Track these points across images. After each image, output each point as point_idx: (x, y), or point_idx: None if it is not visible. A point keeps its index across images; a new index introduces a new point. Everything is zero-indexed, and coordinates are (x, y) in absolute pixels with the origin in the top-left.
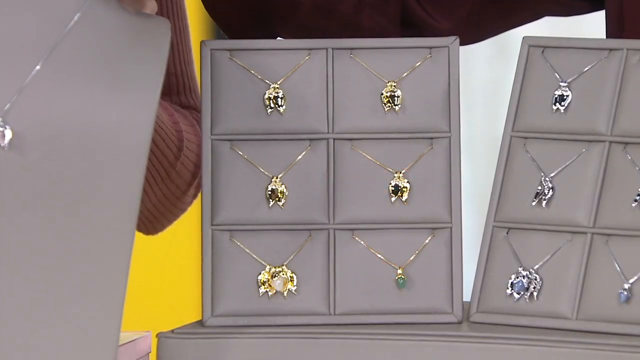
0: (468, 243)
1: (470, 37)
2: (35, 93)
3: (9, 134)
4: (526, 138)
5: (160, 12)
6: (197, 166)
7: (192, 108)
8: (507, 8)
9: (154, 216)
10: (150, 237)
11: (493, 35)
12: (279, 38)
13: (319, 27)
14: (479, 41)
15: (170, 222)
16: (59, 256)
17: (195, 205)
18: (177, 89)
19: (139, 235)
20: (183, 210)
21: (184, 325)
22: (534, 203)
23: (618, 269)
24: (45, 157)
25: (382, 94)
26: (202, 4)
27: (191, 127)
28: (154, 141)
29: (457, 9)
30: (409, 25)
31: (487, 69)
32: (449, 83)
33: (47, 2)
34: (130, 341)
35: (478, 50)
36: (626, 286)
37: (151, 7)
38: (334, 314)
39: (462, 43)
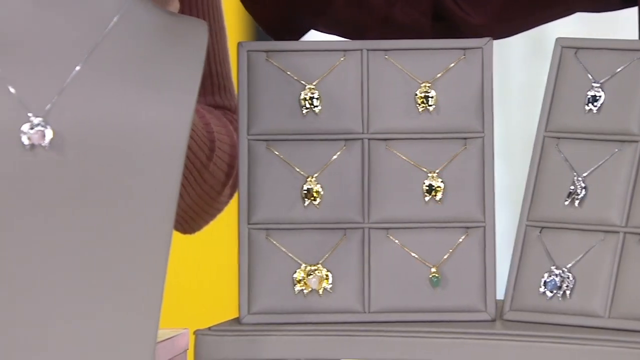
0: (504, 242)
1: (502, 31)
2: (75, 93)
3: (49, 133)
4: (559, 138)
5: (197, 14)
6: (231, 167)
7: (227, 108)
8: (538, 2)
9: (190, 216)
10: (187, 235)
11: (524, 30)
12: (311, 32)
13: (352, 21)
14: (510, 36)
15: (206, 221)
16: (97, 254)
17: (232, 204)
18: (211, 89)
19: (176, 234)
20: (219, 210)
21: (221, 323)
22: (566, 202)
23: None
24: (84, 156)
25: (417, 94)
26: (240, 3)
27: (224, 127)
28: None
29: (490, 3)
30: (441, 19)
31: (523, 70)
32: (483, 84)
33: (87, 5)
34: (169, 338)
35: (514, 51)
36: None
37: (174, 6)
38: (369, 312)
39: (494, 38)
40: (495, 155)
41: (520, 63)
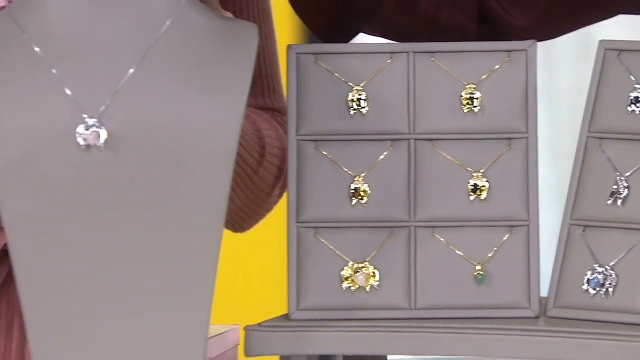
0: (552, 241)
1: (545, 34)
2: (129, 95)
3: (104, 134)
4: (602, 139)
5: (247, 17)
6: (280, 169)
7: (276, 110)
8: (582, 5)
9: (240, 217)
10: (238, 234)
11: (567, 32)
12: (360, 35)
13: (400, 25)
14: (554, 37)
15: (256, 221)
16: (150, 251)
17: (282, 203)
18: (261, 91)
19: (227, 232)
20: (269, 210)
21: (271, 319)
22: (609, 202)
23: None
24: (137, 156)
25: (462, 95)
26: (290, 7)
27: (274, 131)
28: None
29: (534, 6)
30: (486, 22)
31: (572, 71)
32: (527, 85)
33: (140, 9)
34: (220, 333)
35: (562, 52)
36: None
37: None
38: (415, 309)
39: (538, 40)
40: (543, 156)
41: (569, 64)
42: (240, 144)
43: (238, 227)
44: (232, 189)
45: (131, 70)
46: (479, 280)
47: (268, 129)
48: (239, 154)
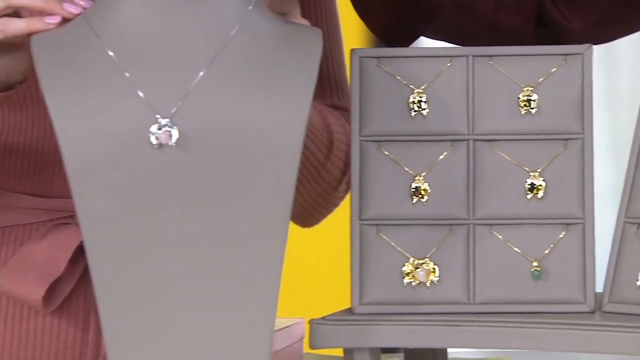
0: (609, 239)
1: (601, 37)
2: (199, 97)
3: (175, 133)
4: None
5: (316, 21)
6: (347, 164)
7: (344, 109)
8: (636, 10)
9: (308, 211)
10: (303, 231)
11: (623, 36)
12: (420, 39)
13: (459, 28)
14: (609, 41)
15: (324, 216)
16: (219, 247)
17: (345, 201)
18: (330, 92)
19: (294, 230)
20: (335, 205)
21: (334, 313)
22: None
23: None
24: (207, 155)
25: (519, 98)
26: (356, 13)
27: (342, 127)
28: (305, 143)
29: (590, 11)
30: (542, 25)
31: (632, 74)
32: (583, 87)
33: (210, 15)
34: (286, 327)
35: (623, 56)
36: None
37: (299, 9)
38: (474, 303)
39: (594, 43)
40: (603, 156)
41: (629, 67)
42: (309, 137)
43: (306, 221)
44: (301, 182)
45: (201, 73)
46: (536, 276)
47: (337, 125)
48: (308, 147)
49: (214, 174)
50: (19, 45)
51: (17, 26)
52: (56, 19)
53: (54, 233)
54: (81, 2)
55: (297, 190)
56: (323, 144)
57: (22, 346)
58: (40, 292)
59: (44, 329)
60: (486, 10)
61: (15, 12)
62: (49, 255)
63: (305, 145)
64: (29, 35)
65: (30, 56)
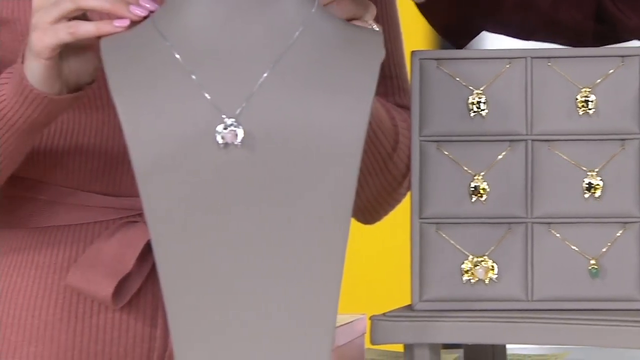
0: None
1: None
2: (263, 98)
3: (241, 133)
4: None
5: (380, 24)
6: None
7: (406, 107)
8: None
9: (372, 206)
10: (365, 231)
11: None
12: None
13: (519, 23)
14: None
15: (386, 212)
16: (282, 244)
17: (405, 199)
18: (392, 90)
19: (356, 229)
20: (398, 201)
21: (395, 309)
22: None
23: None
24: (271, 154)
25: (577, 99)
26: (416, 9)
27: (405, 122)
28: (374, 133)
29: None
30: (601, 21)
31: None
32: None
33: (274, 18)
34: (347, 323)
35: None
36: None
37: (372, 13)
38: (532, 300)
39: None
40: None
41: None
42: (378, 127)
43: (369, 217)
44: (369, 174)
45: (265, 75)
46: (593, 274)
47: (401, 120)
48: (377, 137)
49: (277, 173)
50: (88, 47)
51: (86, 29)
52: (125, 23)
53: (123, 231)
54: (147, 5)
55: (364, 183)
56: (390, 135)
57: (92, 341)
58: (110, 289)
59: (113, 324)
60: (545, 6)
61: (84, 15)
62: (118, 252)
63: (375, 135)
64: (98, 38)
65: (99, 58)
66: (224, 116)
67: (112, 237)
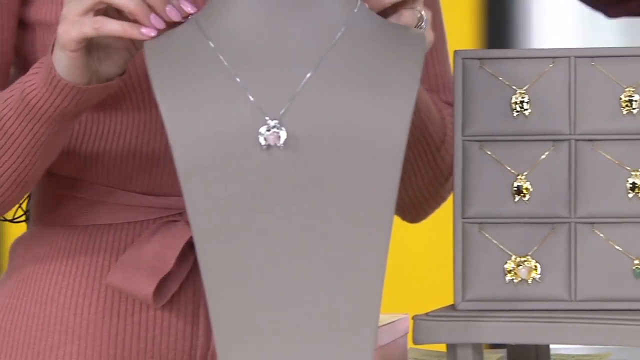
0: None
1: None
2: (306, 99)
3: (284, 134)
4: None
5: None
6: None
7: (450, 104)
8: None
9: (419, 202)
10: (408, 230)
11: None
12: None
13: None
14: None
15: (432, 209)
16: (325, 244)
17: (448, 199)
18: (437, 87)
19: (397, 230)
20: (443, 199)
21: (437, 309)
22: None
23: None
24: (314, 155)
25: (621, 98)
26: (462, 13)
27: (450, 117)
28: (423, 125)
29: None
30: None
31: None
32: None
33: (316, 18)
34: (390, 322)
35: None
36: None
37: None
38: (575, 300)
39: None
40: None
41: None
42: (427, 118)
43: (415, 214)
44: (417, 167)
45: (308, 75)
46: (637, 274)
47: (446, 115)
48: (426, 129)
49: (319, 174)
50: (114, 44)
51: (111, 27)
52: (151, 33)
53: (164, 230)
54: (188, 8)
55: (412, 178)
56: (439, 127)
57: (134, 339)
58: (151, 288)
59: (155, 323)
60: None
61: (106, 12)
62: (158, 252)
63: (424, 126)
64: (119, 38)
65: (129, 52)
66: (267, 118)
67: (152, 237)
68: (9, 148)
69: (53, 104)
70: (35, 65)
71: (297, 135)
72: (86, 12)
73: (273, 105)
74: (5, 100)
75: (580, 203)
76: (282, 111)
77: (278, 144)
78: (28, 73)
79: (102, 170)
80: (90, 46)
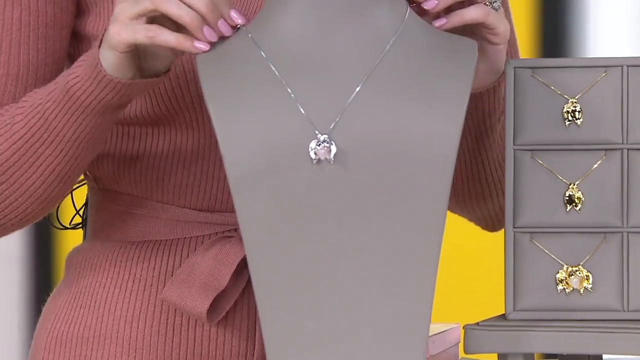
0: None
1: None
2: (356, 112)
3: (334, 149)
4: None
5: None
6: None
7: None
8: None
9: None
10: (459, 240)
11: None
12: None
13: None
14: None
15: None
16: (376, 255)
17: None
18: None
19: (450, 237)
20: None
21: (489, 318)
22: None
23: None
24: (363, 169)
25: None
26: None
27: None
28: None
29: None
30: None
31: None
32: None
33: (367, 28)
34: (442, 332)
35: None
36: None
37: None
38: (628, 310)
39: None
40: None
41: None
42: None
43: (497, 225)
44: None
45: (358, 88)
46: None
47: None
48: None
49: (369, 186)
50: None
51: (166, 39)
52: (205, 48)
53: (218, 246)
54: (238, 20)
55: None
56: None
57: (189, 354)
58: (205, 306)
59: (210, 339)
60: None
61: (156, 17)
62: (213, 268)
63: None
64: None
65: (174, 53)
66: (317, 132)
67: (207, 252)
68: (52, 142)
69: (97, 97)
70: (80, 58)
71: (347, 149)
72: (138, 17)
73: (323, 117)
74: (49, 94)
75: (632, 212)
76: (332, 125)
77: (328, 158)
78: (72, 66)
79: (158, 186)
80: (138, 47)
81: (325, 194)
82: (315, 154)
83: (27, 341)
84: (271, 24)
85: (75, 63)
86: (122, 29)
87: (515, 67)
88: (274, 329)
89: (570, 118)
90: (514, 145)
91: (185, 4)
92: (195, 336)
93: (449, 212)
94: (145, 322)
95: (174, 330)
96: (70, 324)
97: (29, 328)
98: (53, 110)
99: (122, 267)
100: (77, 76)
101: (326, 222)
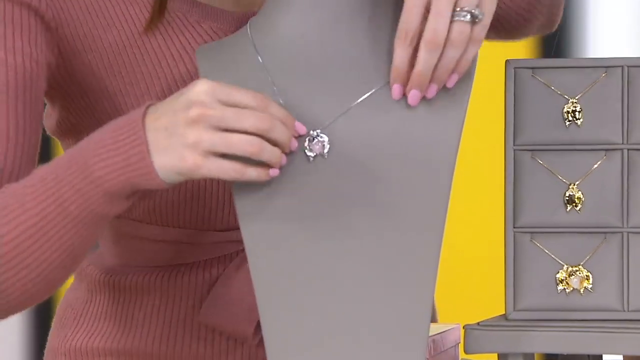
0: None
1: None
2: (352, 111)
3: (327, 144)
4: None
5: None
6: None
7: None
8: None
9: (514, 15)
10: (458, 239)
11: None
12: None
13: None
14: None
15: (527, 26)
16: (374, 253)
17: (499, 209)
18: None
19: (449, 239)
20: (537, 16)
21: (489, 319)
22: None
23: None
24: (359, 166)
25: None
26: None
27: None
28: None
29: None
30: None
31: None
32: None
33: (368, 31)
34: (442, 332)
35: None
36: None
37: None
38: (628, 310)
39: None
40: None
41: None
42: None
43: (509, 29)
44: None
45: (355, 88)
46: None
47: None
48: None
49: (370, 187)
50: None
51: (250, 175)
52: (275, 173)
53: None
54: (292, 146)
55: None
56: None
57: None
58: (251, 328)
59: (257, 356)
60: None
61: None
62: (249, 287)
63: None
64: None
65: None
66: (311, 131)
67: (238, 271)
68: (64, 225)
69: (136, 194)
70: (108, 157)
71: (343, 145)
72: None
73: (319, 119)
74: (68, 175)
75: (632, 212)
76: (327, 123)
77: (323, 153)
78: (98, 162)
79: (179, 214)
80: None
81: (320, 191)
82: (310, 150)
83: (28, 343)
84: (271, 22)
85: (97, 157)
86: (205, 163)
87: (515, 67)
88: (274, 329)
89: (570, 118)
90: (514, 145)
91: (270, 141)
92: (242, 356)
93: (449, 213)
94: (183, 343)
95: (220, 353)
96: (97, 336)
97: (29, 329)
98: (68, 198)
99: (156, 293)
100: (113, 178)
101: (322, 220)
